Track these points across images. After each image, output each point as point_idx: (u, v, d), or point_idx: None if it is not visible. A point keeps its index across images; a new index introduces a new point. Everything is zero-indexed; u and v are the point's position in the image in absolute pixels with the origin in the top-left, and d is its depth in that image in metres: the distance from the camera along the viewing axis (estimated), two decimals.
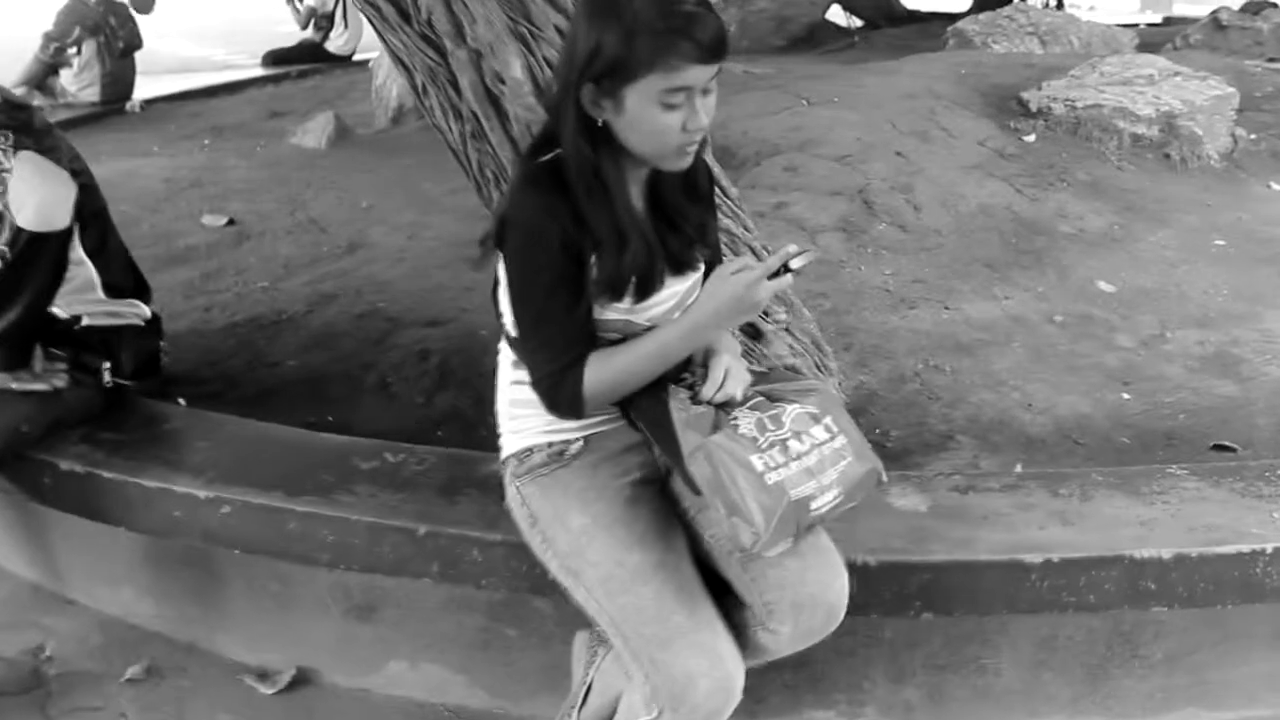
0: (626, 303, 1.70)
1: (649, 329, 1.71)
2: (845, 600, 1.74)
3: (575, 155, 1.63)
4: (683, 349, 1.68)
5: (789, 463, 1.64)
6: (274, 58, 9.30)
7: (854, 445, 1.71)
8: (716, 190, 2.45)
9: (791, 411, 1.71)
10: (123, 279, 2.59)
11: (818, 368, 2.57)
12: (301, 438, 2.49)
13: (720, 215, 2.41)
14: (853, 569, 1.92)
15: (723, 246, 2.40)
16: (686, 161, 1.66)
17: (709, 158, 2.45)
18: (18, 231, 2.21)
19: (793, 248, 1.61)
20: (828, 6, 9.88)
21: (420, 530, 2.11)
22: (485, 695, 2.32)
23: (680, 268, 1.77)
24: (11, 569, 2.83)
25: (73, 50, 7.61)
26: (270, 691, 2.37)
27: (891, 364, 2.84)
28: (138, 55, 7.93)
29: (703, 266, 1.81)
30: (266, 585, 2.41)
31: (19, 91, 7.49)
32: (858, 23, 10.54)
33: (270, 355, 3.05)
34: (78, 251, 2.46)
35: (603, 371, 1.68)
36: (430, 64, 2.27)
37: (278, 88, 8.00)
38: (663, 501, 1.82)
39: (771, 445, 1.65)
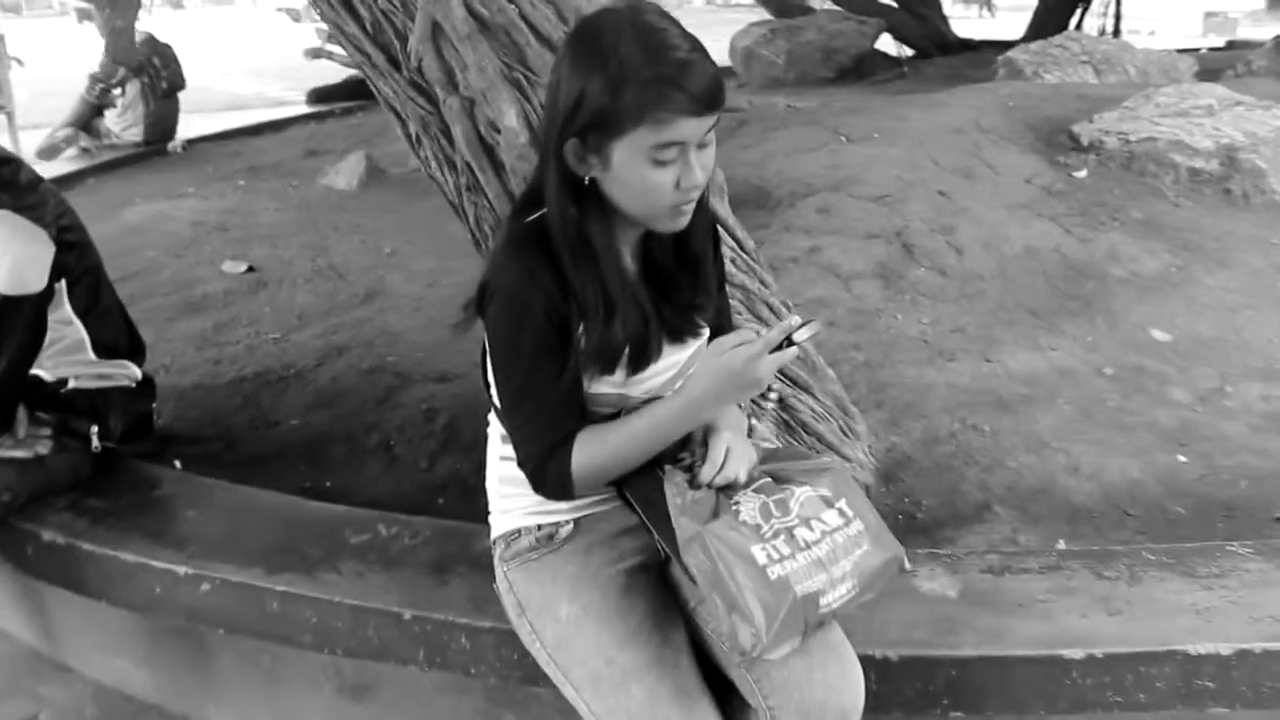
0: (619, 375, 1.55)
1: (645, 403, 1.55)
2: (860, 703, 1.56)
3: (559, 217, 1.49)
4: (679, 428, 1.53)
5: (796, 554, 1.47)
6: (318, 95, 9.33)
7: (871, 531, 1.54)
8: (731, 244, 2.30)
9: (800, 495, 1.54)
10: (115, 338, 2.50)
11: (843, 432, 2.40)
12: (292, 507, 2.36)
13: (735, 270, 2.26)
14: (871, 663, 1.76)
15: (738, 304, 2.26)
16: (682, 222, 1.50)
17: (723, 208, 2.31)
18: None
19: (795, 319, 1.46)
20: (877, 36, 9.71)
21: (406, 615, 1.97)
22: None
23: (679, 336, 1.61)
24: (10, 630, 2.74)
25: (117, 91, 7.67)
26: None
27: (926, 423, 2.65)
28: (188, 94, 7.98)
29: (705, 333, 1.65)
30: (257, 660, 2.28)
31: (64, 132, 7.64)
32: (908, 52, 10.37)
33: (274, 413, 2.94)
34: (66, 311, 2.38)
35: (592, 451, 1.53)
36: (422, 113, 2.15)
37: (320, 125, 8.00)
38: (661, 590, 1.67)
39: (777, 534, 1.48)
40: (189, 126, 7.98)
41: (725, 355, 1.44)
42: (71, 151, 7.71)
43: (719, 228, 2.27)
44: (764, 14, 11.67)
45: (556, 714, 2.03)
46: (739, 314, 2.24)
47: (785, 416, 2.32)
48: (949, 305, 3.25)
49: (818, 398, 2.35)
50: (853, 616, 1.79)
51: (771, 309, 2.31)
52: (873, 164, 4.14)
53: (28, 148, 7.78)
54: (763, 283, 2.32)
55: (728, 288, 2.23)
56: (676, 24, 1.43)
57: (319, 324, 3.56)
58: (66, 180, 6.52)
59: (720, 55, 9.30)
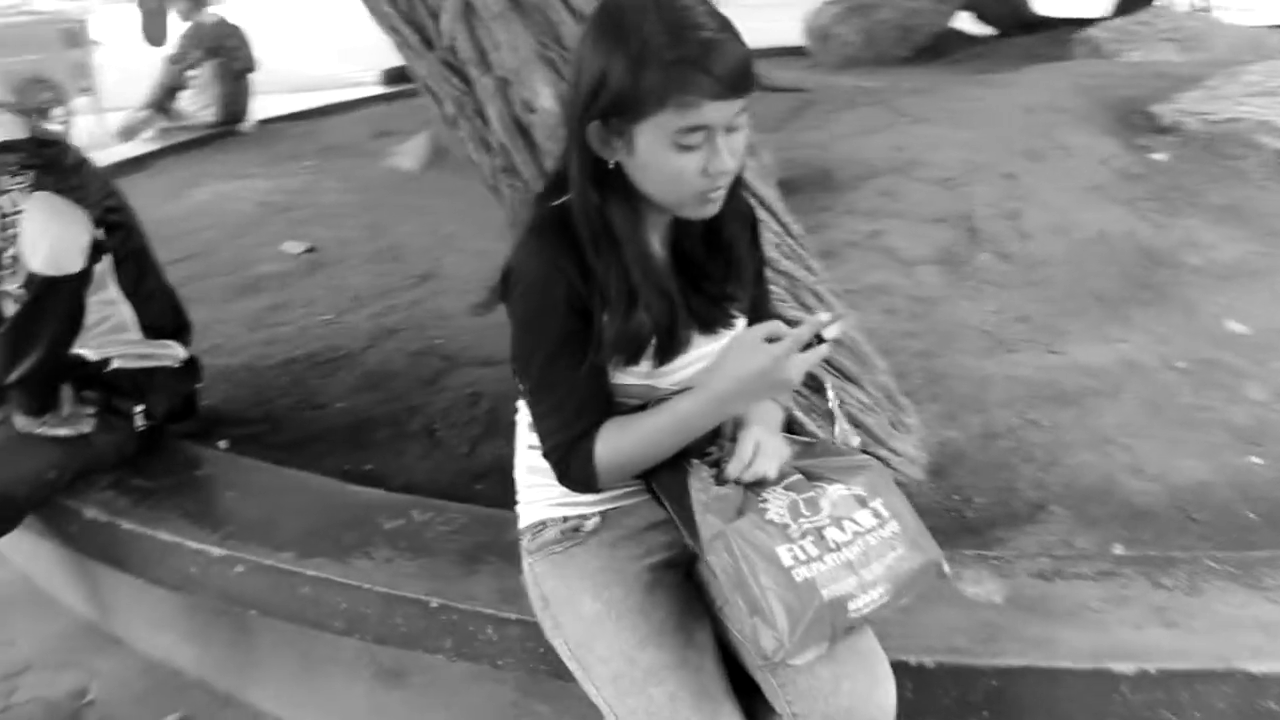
0: (645, 366, 1.50)
1: (674, 395, 1.50)
2: (890, 713, 1.49)
3: (581, 202, 1.44)
4: (704, 423, 1.46)
5: (824, 555, 1.41)
6: (391, 76, 9.37)
7: (908, 533, 1.48)
8: (777, 229, 2.23)
9: (833, 494, 1.48)
10: (161, 319, 2.51)
11: (892, 425, 2.31)
12: (330, 490, 2.35)
13: (780, 256, 2.19)
14: (907, 670, 1.69)
15: (782, 292, 2.18)
16: (710, 209, 1.43)
17: (768, 190, 2.23)
18: (31, 276, 2.11)
19: (824, 316, 1.39)
20: (954, 13, 9.45)
21: (433, 603, 1.94)
22: None
23: (710, 326, 1.55)
24: (68, 604, 2.79)
25: (192, 73, 7.77)
26: None
27: (984, 417, 2.54)
28: (263, 76, 8.06)
29: (739, 324, 1.58)
30: (295, 642, 2.28)
31: (142, 114, 7.77)
32: (989, 31, 10.08)
33: (320, 395, 2.93)
34: (112, 292, 2.39)
35: (616, 444, 1.48)
36: (456, 93, 2.11)
37: (390, 106, 8.02)
38: (688, 588, 1.62)
39: (805, 534, 1.42)
40: (262, 107, 8.06)
41: (755, 350, 1.37)
42: (148, 132, 7.83)
43: (764, 212, 2.22)
44: None
45: (589, 708, 1.99)
46: (783, 302, 2.16)
47: (830, 408, 2.24)
48: (1013, 293, 3.13)
49: (866, 389, 2.27)
50: (890, 620, 1.71)
51: (818, 297, 2.23)
52: (939, 145, 4.01)
53: (110, 129, 7.96)
54: (809, 269, 2.24)
55: (772, 274, 2.17)
56: (705, 1, 1.36)
57: (372, 305, 3.55)
58: (140, 161, 6.63)
59: (794, 34, 9.19)
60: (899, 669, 1.67)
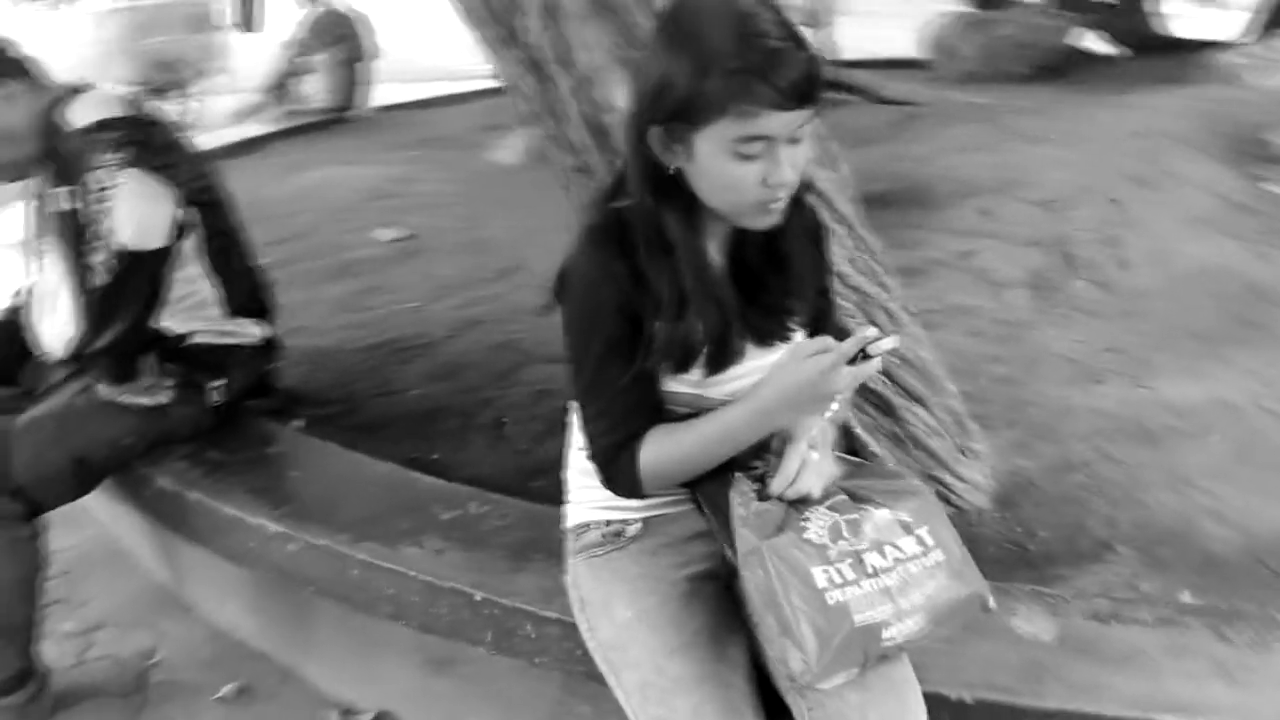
0: (695, 375, 1.49)
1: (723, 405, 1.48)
2: None
3: (638, 207, 1.44)
4: (749, 435, 1.44)
5: (861, 580, 1.38)
6: None
7: (952, 564, 1.43)
8: (851, 244, 2.19)
9: (878, 517, 1.44)
10: (245, 298, 2.56)
11: (959, 451, 2.25)
12: (393, 476, 2.38)
13: (853, 272, 2.15)
14: (945, 704, 1.65)
15: (853, 308, 2.14)
16: (770, 220, 1.41)
17: (845, 204, 2.19)
18: (117, 249, 2.18)
19: (872, 331, 1.35)
20: (1080, 33, 9.17)
21: (477, 596, 1.95)
22: None
23: (765, 339, 1.53)
24: (145, 567, 2.88)
25: (310, 58, 7.97)
26: None
27: (1059, 449, 2.46)
28: (385, 64, 8.24)
29: (797, 338, 1.56)
30: (351, 624, 2.31)
31: (260, 97, 8.00)
32: (1116, 50, 9.77)
33: (397, 382, 2.97)
34: (198, 269, 2.45)
35: (660, 452, 1.48)
36: (536, 91, 2.11)
37: (501, 100, 8.10)
38: (725, 601, 1.59)
39: (844, 557, 1.39)
40: (378, 95, 8.23)
41: (802, 363, 1.35)
42: (266, 116, 8.07)
43: (840, 226, 2.18)
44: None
45: None
46: (852, 318, 2.12)
47: (895, 429, 2.19)
48: (1105, 323, 3.02)
49: (932, 411, 2.21)
50: (933, 651, 1.68)
51: (890, 315, 2.18)
52: (1043, 166, 3.90)
53: (232, 111, 8.23)
54: (883, 286, 2.19)
55: (843, 289, 2.13)
56: (775, 8, 1.34)
57: (457, 295, 3.59)
58: (254, 143, 6.83)
59: (911, 46, 9.04)
60: (938, 702, 1.64)
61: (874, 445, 2.15)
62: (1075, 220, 3.51)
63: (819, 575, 1.36)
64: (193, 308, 2.46)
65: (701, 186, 1.39)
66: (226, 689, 2.40)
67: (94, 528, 3.05)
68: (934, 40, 9.04)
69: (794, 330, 1.56)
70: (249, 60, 9.98)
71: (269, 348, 2.62)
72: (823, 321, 1.64)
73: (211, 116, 9.63)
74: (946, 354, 2.84)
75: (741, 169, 1.33)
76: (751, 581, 1.41)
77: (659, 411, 1.51)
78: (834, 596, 1.35)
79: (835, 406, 1.52)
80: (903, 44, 8.62)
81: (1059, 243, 3.39)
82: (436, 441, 2.64)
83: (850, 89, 5.82)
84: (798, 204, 1.49)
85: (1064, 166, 3.88)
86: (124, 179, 2.20)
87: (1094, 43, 9.48)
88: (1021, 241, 3.42)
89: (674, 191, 1.41)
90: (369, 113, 7.93)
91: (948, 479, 2.21)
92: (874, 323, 2.16)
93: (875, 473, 1.57)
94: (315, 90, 7.99)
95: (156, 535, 2.73)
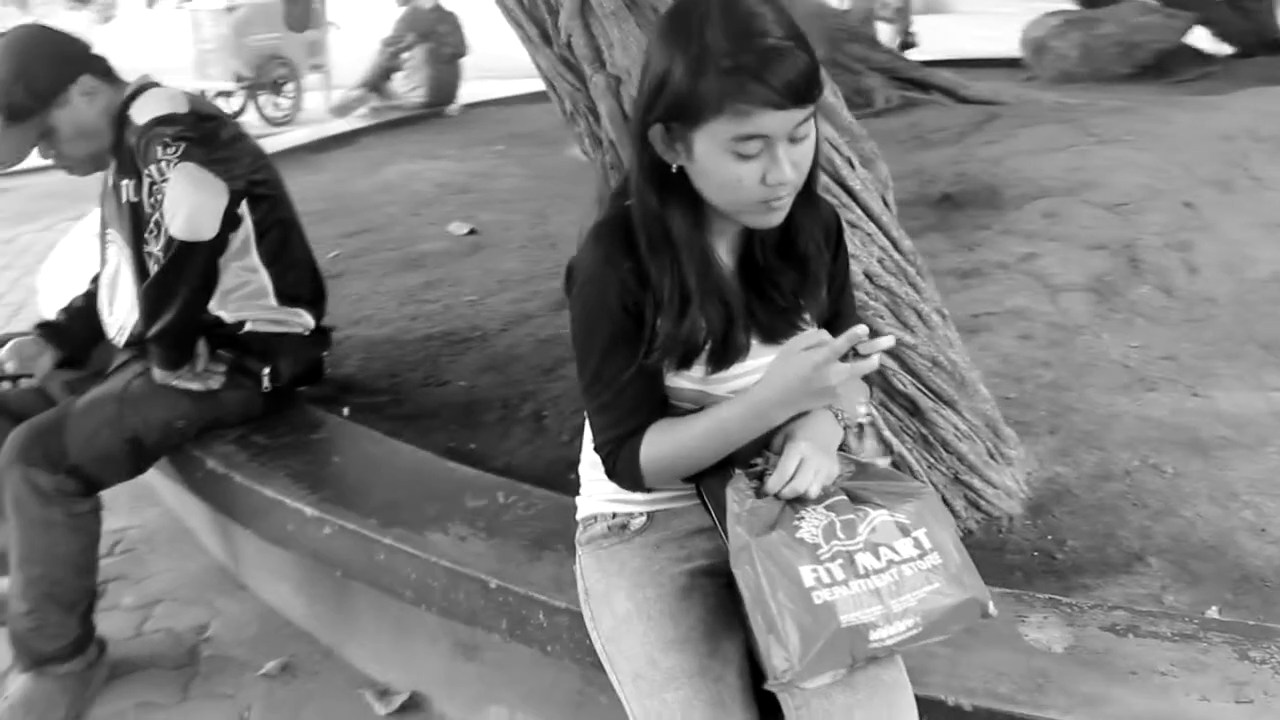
0: (699, 371, 1.50)
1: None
2: None
3: (640, 205, 1.45)
4: (745, 431, 1.45)
5: (851, 581, 1.36)
6: None
7: (949, 568, 1.41)
8: (884, 244, 2.17)
9: (874, 519, 1.43)
10: (298, 288, 2.64)
11: (990, 455, 2.21)
12: (428, 465, 2.43)
13: (882, 272, 2.14)
14: (942, 710, 1.63)
15: (882, 308, 2.13)
16: (774, 219, 1.41)
17: (876, 203, 2.17)
18: (169, 240, 2.28)
19: (862, 328, 1.34)
20: (1187, 30, 8.86)
21: (492, 584, 1.98)
22: None
23: (773, 337, 1.53)
24: (205, 546, 2.98)
25: (406, 55, 8.16)
26: (383, 712, 2.34)
27: (1101, 456, 2.40)
28: (480, 61, 8.38)
29: None
30: (388, 606, 2.37)
31: (356, 92, 8.21)
32: (1227, 50, 9.41)
33: (447, 373, 3.04)
34: (254, 259, 2.54)
35: (661, 446, 1.49)
36: (571, 89, 2.15)
37: None
38: (724, 597, 1.59)
39: (835, 557, 1.38)
40: (471, 92, 8.37)
41: (796, 357, 1.35)
42: (362, 110, 8.28)
43: (872, 225, 2.16)
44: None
45: None
46: (880, 318, 2.11)
47: (924, 431, 2.17)
48: (1166, 330, 2.94)
49: (963, 415, 2.18)
50: (939, 656, 1.68)
51: (920, 316, 2.16)
52: (1118, 168, 3.80)
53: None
54: (913, 287, 2.17)
55: (872, 289, 2.12)
56: (778, 6, 1.34)
57: (516, 290, 3.64)
58: (347, 137, 7.02)
59: (1011, 46, 8.86)
60: (934, 708, 1.62)
61: (898, 446, 2.13)
62: (1145, 224, 3.41)
63: (807, 574, 1.35)
64: (247, 296, 2.55)
65: (703, 185, 1.39)
66: (270, 665, 2.47)
67: (160, 508, 3.18)
68: (1032, 39, 8.84)
69: (805, 328, 1.55)
70: (349, 56, 10.25)
71: (319, 336, 2.70)
72: (841, 320, 1.63)
73: (311, 111, 9.93)
74: (994, 358, 2.81)
75: (740, 168, 1.33)
76: (741, 578, 1.41)
77: (663, 406, 1.53)
78: (821, 596, 1.34)
79: (839, 405, 1.52)
80: (1009, 44, 8.43)
81: (1126, 247, 3.30)
82: (477, 432, 2.69)
83: (931, 89, 5.75)
84: (810, 202, 1.48)
85: (1139, 169, 3.77)
86: (178, 172, 2.29)
87: (1206, 41, 9.16)
88: (1086, 245, 3.33)
89: (679, 189, 1.42)
90: (459, 109, 8.08)
91: (977, 483, 2.17)
92: (904, 323, 2.15)
93: (879, 474, 1.55)
94: (410, 86, 8.18)
95: (215, 517, 2.82)
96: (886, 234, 2.17)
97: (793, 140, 1.34)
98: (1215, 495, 2.26)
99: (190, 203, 2.27)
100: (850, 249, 2.09)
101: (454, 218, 4.57)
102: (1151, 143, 4.02)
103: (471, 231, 4.38)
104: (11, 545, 2.28)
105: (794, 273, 1.53)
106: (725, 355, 1.49)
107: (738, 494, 1.46)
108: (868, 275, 2.12)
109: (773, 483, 1.45)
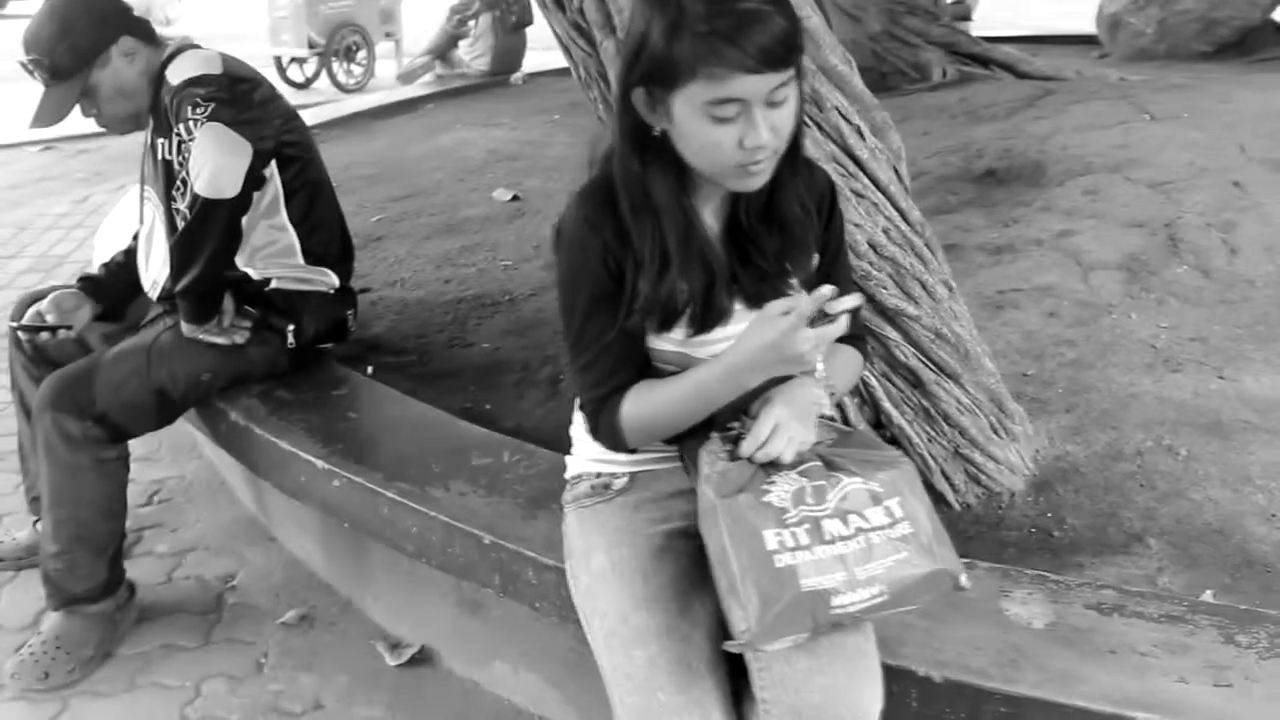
0: (679, 333, 1.52)
1: None
2: (866, 716, 1.42)
3: (621, 167, 1.47)
4: (721, 393, 1.46)
5: (815, 546, 1.37)
6: None
7: (920, 538, 1.41)
8: (892, 214, 2.16)
9: (846, 486, 1.44)
10: (326, 248, 2.70)
11: (993, 430, 2.20)
12: (440, 423, 2.48)
13: (887, 242, 2.13)
14: (912, 679, 1.64)
15: (886, 278, 2.12)
16: (754, 182, 1.41)
17: (884, 171, 2.16)
18: (195, 197, 2.34)
19: (827, 289, 1.35)
20: (1273, 7, 8.53)
21: (485, 540, 2.03)
22: (576, 716, 2.21)
23: (757, 301, 1.53)
24: (241, 499, 3.08)
25: (471, 23, 8.21)
26: (393, 663, 2.41)
27: (1114, 436, 2.36)
28: (540, 29, 8.41)
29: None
30: (399, 562, 2.43)
31: (422, 60, 8.29)
32: None
33: (472, 335, 3.08)
34: (282, 219, 2.60)
35: (640, 407, 1.52)
36: (584, 54, 2.16)
37: None
38: (699, 558, 1.60)
39: (801, 522, 1.39)
40: (536, 61, 8.39)
41: (768, 321, 1.35)
42: (427, 77, 8.36)
43: (879, 195, 2.15)
44: None
45: None
46: (884, 289, 2.10)
47: (925, 404, 2.16)
48: (1199, 310, 2.87)
49: (966, 388, 2.17)
50: (915, 626, 1.69)
51: (925, 287, 2.14)
52: (1167, 146, 3.70)
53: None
54: (919, 258, 2.15)
55: (876, 260, 2.11)
56: None
57: (549, 255, 3.66)
58: (410, 104, 7.10)
59: (1088, 23, 8.62)
60: (904, 677, 1.63)
61: (898, 418, 2.12)
62: (1187, 203, 3.32)
63: (770, 537, 1.36)
64: (274, 254, 2.61)
65: (683, 148, 1.40)
66: (289, 614, 2.55)
67: (201, 459, 3.28)
68: (1108, 15, 8.59)
69: (791, 294, 1.56)
70: (421, 24, 10.33)
71: (344, 295, 2.75)
72: (841, 284, 1.63)
73: (383, 78, 10.04)
74: (1017, 334, 2.78)
75: (717, 131, 1.33)
76: (707, 539, 1.43)
77: (646, 367, 1.55)
78: (783, 560, 1.35)
79: (815, 371, 1.51)
80: (1090, 20, 8.23)
81: (1166, 226, 3.22)
82: (494, 393, 2.73)
83: (990, 64, 5.64)
84: (793, 165, 1.48)
85: (1187, 147, 3.67)
86: (205, 131, 2.36)
87: None
88: (1124, 223, 3.26)
89: (661, 153, 1.42)
90: (523, 78, 8.11)
91: (978, 458, 2.16)
92: (909, 295, 2.13)
93: (858, 442, 1.56)
94: (474, 54, 8.24)
95: (245, 469, 2.91)
96: (894, 204, 2.16)
97: (771, 104, 1.34)
98: (1227, 479, 2.22)
99: (215, 162, 2.33)
100: (855, 218, 2.10)
101: (500, 184, 4.61)
102: (1207, 120, 3.92)
103: (514, 198, 4.41)
104: (43, 489, 2.38)
105: (777, 237, 1.53)
106: (707, 318, 1.51)
107: (710, 456, 1.48)
108: (872, 245, 2.11)
109: (746, 446, 1.46)
